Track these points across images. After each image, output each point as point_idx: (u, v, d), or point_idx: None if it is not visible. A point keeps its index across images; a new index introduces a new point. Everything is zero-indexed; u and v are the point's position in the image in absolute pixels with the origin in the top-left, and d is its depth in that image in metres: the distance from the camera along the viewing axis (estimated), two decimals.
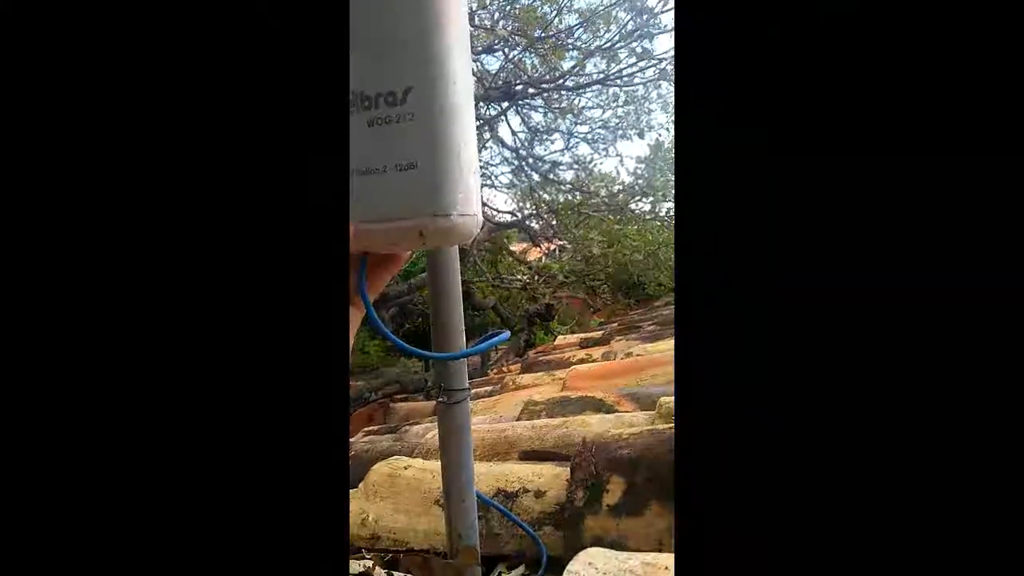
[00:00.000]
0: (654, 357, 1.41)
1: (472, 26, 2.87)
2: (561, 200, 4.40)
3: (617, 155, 4.97)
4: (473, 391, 1.85)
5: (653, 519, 0.53)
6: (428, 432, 1.10)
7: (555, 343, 2.78)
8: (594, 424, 0.87)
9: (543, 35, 2.76)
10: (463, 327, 0.57)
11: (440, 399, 0.58)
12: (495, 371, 2.84)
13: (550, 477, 0.68)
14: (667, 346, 1.62)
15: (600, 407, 1.07)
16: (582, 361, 1.82)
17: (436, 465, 0.80)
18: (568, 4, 2.94)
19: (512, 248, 4.90)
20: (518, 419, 1.11)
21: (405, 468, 0.81)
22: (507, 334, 0.53)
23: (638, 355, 1.58)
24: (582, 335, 2.73)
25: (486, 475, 0.73)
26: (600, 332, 2.59)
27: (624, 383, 1.24)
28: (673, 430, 0.63)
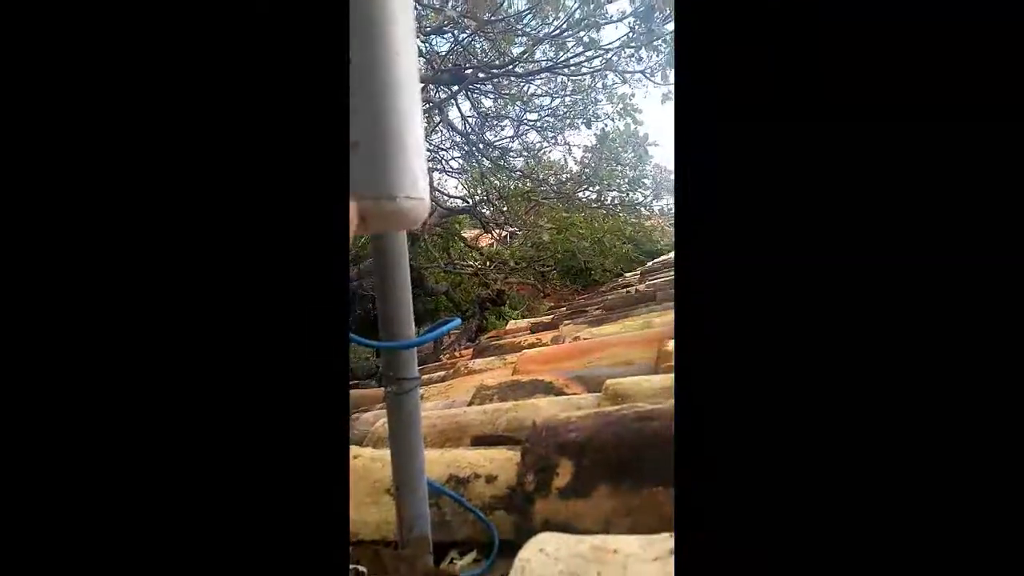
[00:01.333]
0: (600, 340, 1.45)
1: (420, 5, 2.77)
2: (512, 187, 4.40)
3: (565, 143, 5.02)
4: (425, 377, 1.83)
5: (600, 501, 0.55)
6: (379, 420, 1.08)
7: (507, 328, 2.80)
8: (544, 407, 0.89)
9: (492, 18, 2.72)
10: (412, 315, 0.55)
11: (389, 388, 0.56)
12: (447, 356, 2.83)
13: (502, 461, 0.69)
14: (611, 329, 1.67)
15: (550, 390, 1.09)
16: (532, 345, 1.84)
17: (386, 454, 0.79)
18: None
19: (464, 234, 4.87)
20: (470, 404, 1.12)
21: (355, 458, 0.79)
22: (458, 320, 0.53)
23: (585, 338, 1.62)
24: (532, 320, 2.76)
25: (437, 462, 0.73)
26: (550, 317, 2.64)
27: (572, 366, 1.27)
28: (619, 411, 0.65)
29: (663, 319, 1.57)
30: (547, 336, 1.93)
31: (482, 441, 0.85)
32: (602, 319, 1.97)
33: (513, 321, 3.14)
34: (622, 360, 1.17)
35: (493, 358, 1.79)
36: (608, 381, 0.86)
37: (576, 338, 1.65)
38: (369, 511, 0.71)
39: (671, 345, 1.11)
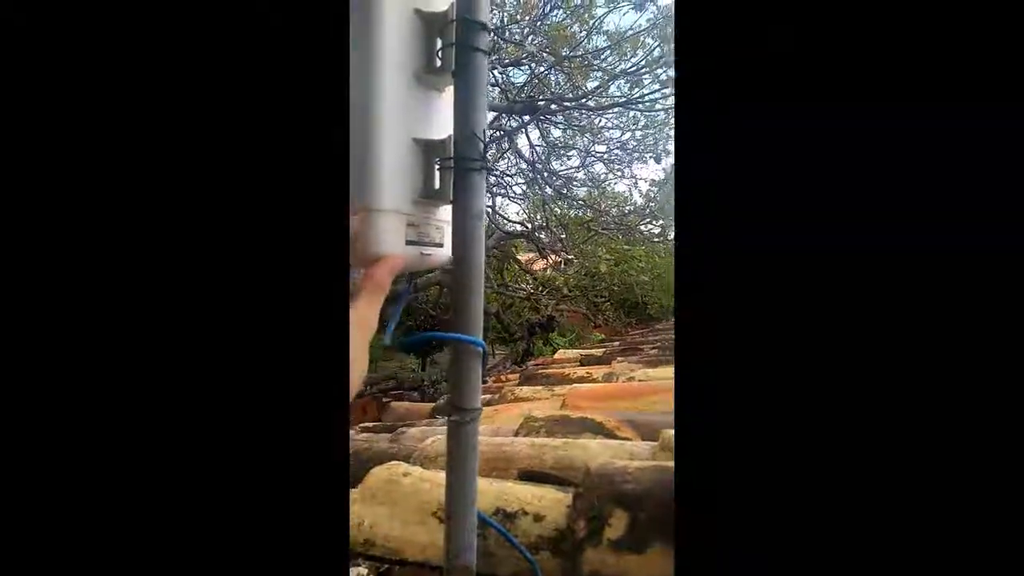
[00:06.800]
0: (655, 383, 1.41)
1: (501, 40, 2.89)
2: (572, 215, 4.41)
3: (632, 177, 4.99)
4: None
5: (655, 559, 0.53)
6: (427, 438, 1.10)
7: (554, 357, 2.78)
8: (595, 448, 0.87)
9: (570, 54, 2.78)
10: (481, 324, 0.56)
11: (451, 417, 0.58)
12: (493, 379, 2.84)
13: (550, 501, 0.68)
14: (668, 372, 1.62)
15: (600, 430, 1.07)
16: (582, 379, 1.82)
17: (436, 475, 0.80)
18: (598, 26, 2.97)
19: (519, 257, 4.91)
20: (516, 434, 1.11)
21: (404, 475, 0.81)
22: (476, 340, 0.54)
23: (639, 380, 1.58)
24: (582, 351, 2.73)
25: (486, 492, 0.74)
26: (601, 350, 2.59)
27: (624, 407, 1.24)
28: None
29: None
30: (598, 371, 1.90)
31: (529, 476, 0.84)
32: (658, 360, 1.91)
33: (562, 350, 3.11)
34: None
35: (540, 387, 1.78)
36: (665, 432, 0.84)
37: (630, 378, 1.62)
38: (416, 531, 0.72)
39: None
